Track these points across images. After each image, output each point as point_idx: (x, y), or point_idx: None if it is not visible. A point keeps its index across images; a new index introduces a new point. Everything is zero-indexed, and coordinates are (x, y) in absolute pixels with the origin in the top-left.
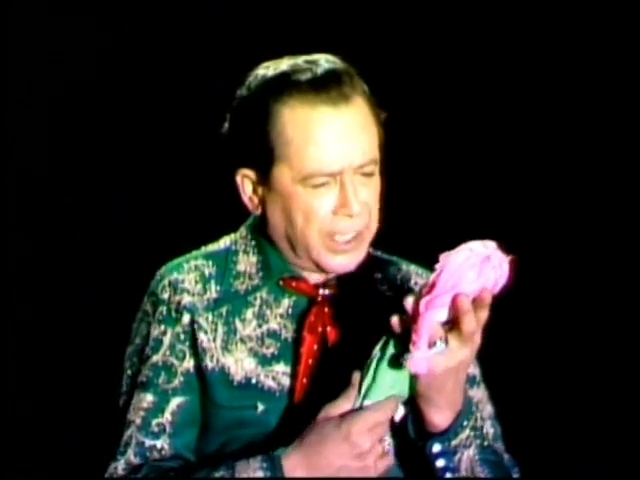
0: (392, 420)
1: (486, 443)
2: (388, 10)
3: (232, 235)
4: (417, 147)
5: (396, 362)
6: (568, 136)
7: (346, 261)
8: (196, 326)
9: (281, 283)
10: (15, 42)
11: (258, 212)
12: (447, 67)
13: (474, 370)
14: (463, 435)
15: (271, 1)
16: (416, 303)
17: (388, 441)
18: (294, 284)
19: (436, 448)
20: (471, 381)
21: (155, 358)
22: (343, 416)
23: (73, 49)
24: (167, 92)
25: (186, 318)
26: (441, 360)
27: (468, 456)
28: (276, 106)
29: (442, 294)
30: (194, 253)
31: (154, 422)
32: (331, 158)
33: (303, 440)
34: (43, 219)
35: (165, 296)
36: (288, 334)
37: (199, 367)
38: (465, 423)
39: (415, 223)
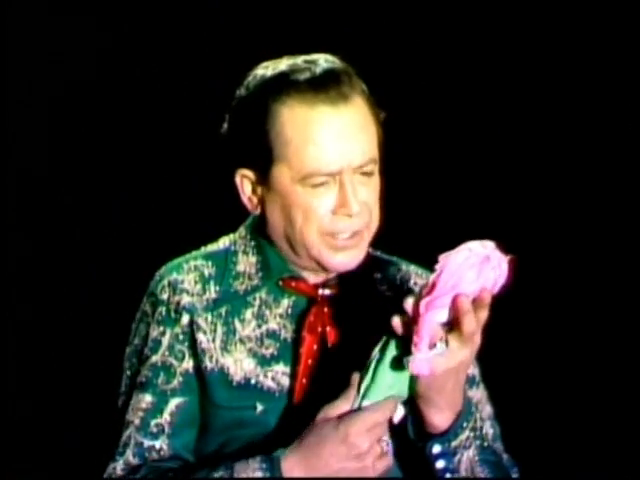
0: (391, 421)
1: (486, 444)
2: (387, 10)
3: (231, 235)
4: (416, 147)
5: (396, 363)
6: (567, 136)
7: (347, 259)
8: (195, 326)
9: (280, 283)
10: (15, 42)
11: (257, 212)
12: (446, 67)
13: (473, 370)
14: (463, 436)
15: (271, 1)
16: (416, 304)
17: (387, 441)
18: (294, 284)
19: (436, 449)
20: (470, 381)
21: (154, 358)
22: (341, 417)
23: (73, 49)
24: (167, 92)
25: (185, 318)
26: (441, 361)
27: (468, 457)
28: (275, 106)
29: (442, 295)
30: (193, 253)
31: (153, 422)
32: (330, 158)
33: (302, 441)
34: (43, 219)
35: (164, 296)
36: (287, 334)
37: (198, 367)
38: (465, 424)
39: (415, 223)
